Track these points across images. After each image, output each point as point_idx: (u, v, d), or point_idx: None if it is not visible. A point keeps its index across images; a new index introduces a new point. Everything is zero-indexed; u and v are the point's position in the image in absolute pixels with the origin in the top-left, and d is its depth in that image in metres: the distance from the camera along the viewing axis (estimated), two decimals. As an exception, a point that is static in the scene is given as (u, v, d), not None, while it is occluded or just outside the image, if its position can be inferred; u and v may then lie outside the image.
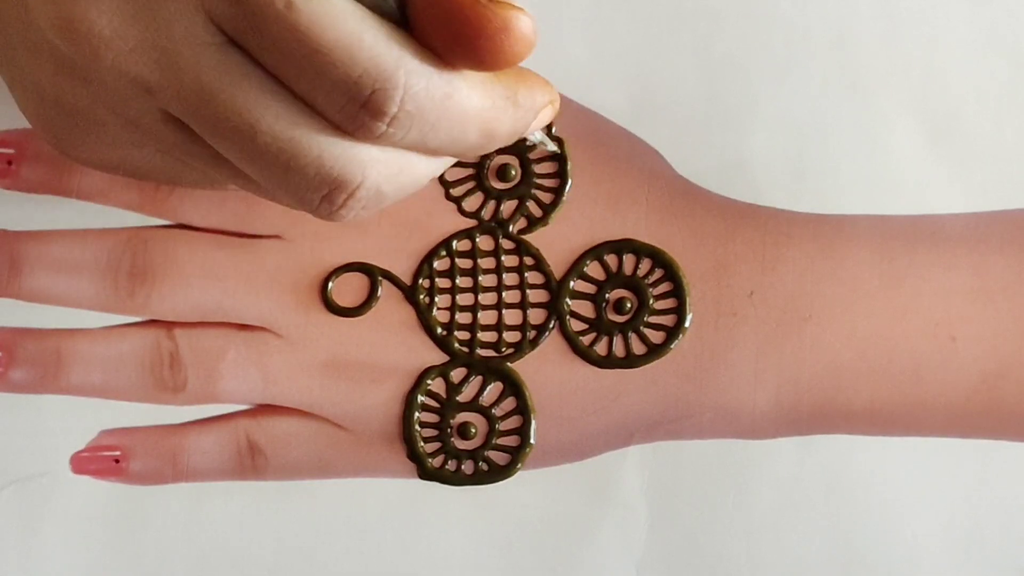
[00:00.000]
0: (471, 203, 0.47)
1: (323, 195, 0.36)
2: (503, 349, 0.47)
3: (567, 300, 0.47)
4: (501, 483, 0.47)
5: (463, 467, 0.47)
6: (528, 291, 0.47)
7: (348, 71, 0.34)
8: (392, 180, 0.37)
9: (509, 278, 0.47)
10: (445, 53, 0.35)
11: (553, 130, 0.47)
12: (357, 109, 0.35)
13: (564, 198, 0.47)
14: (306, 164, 0.36)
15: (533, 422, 0.47)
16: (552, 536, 0.47)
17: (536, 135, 0.44)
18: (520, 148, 0.48)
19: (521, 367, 0.47)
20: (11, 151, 0.48)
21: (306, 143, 0.36)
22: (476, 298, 0.47)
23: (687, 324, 0.46)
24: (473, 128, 0.37)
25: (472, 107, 0.37)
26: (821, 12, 0.48)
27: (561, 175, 0.47)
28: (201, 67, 0.35)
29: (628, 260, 0.47)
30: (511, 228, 0.47)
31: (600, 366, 0.46)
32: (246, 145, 0.36)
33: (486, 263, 0.47)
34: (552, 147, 0.46)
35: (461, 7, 0.35)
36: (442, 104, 0.36)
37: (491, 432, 0.47)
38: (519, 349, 0.47)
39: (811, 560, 0.47)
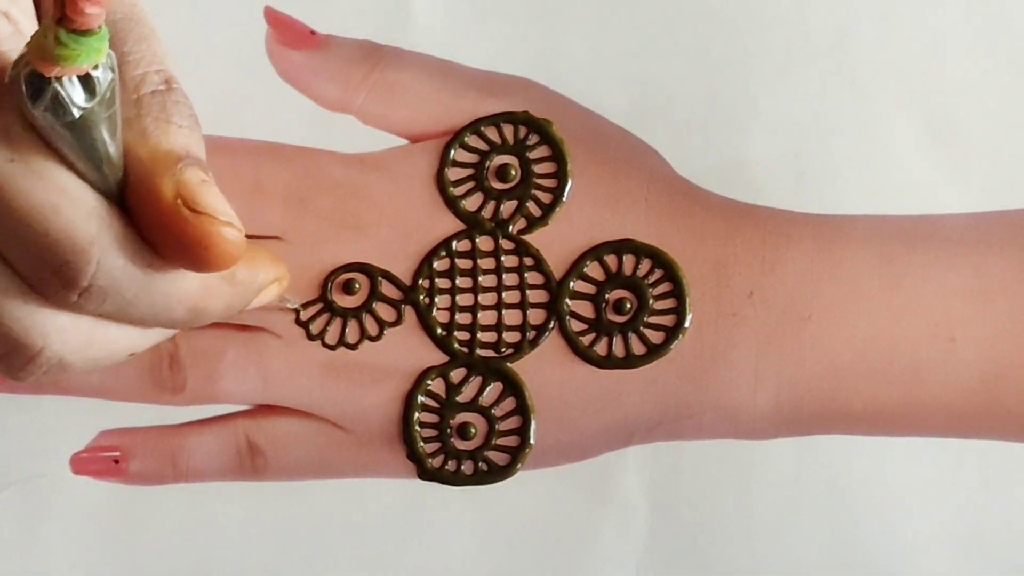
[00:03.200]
0: (471, 203, 0.47)
1: (1, 354, 0.36)
2: (503, 349, 0.47)
3: (567, 300, 0.47)
4: (501, 483, 0.47)
5: (463, 467, 0.47)
6: (528, 291, 0.47)
7: (40, 239, 0.34)
8: (77, 351, 0.36)
9: (509, 278, 0.47)
10: (155, 247, 0.35)
11: (290, 303, 0.47)
12: (49, 276, 0.34)
13: (564, 198, 0.47)
14: None
15: (533, 422, 0.47)
16: (552, 536, 0.47)
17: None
18: (519, 148, 0.48)
19: (521, 367, 0.47)
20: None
21: None
22: (476, 298, 0.47)
23: (687, 324, 0.46)
24: (179, 306, 0.37)
25: (178, 289, 0.36)
26: (820, 13, 0.48)
27: (561, 175, 0.47)
28: None
29: (628, 260, 0.47)
30: (511, 228, 0.47)
31: (600, 366, 0.46)
32: None
33: (486, 263, 0.47)
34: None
35: (164, 210, 0.34)
36: (141, 283, 0.35)
37: (491, 432, 0.47)
38: (519, 349, 0.47)
39: (811, 560, 0.47)
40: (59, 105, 0.32)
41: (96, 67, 0.32)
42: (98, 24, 0.30)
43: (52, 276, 0.34)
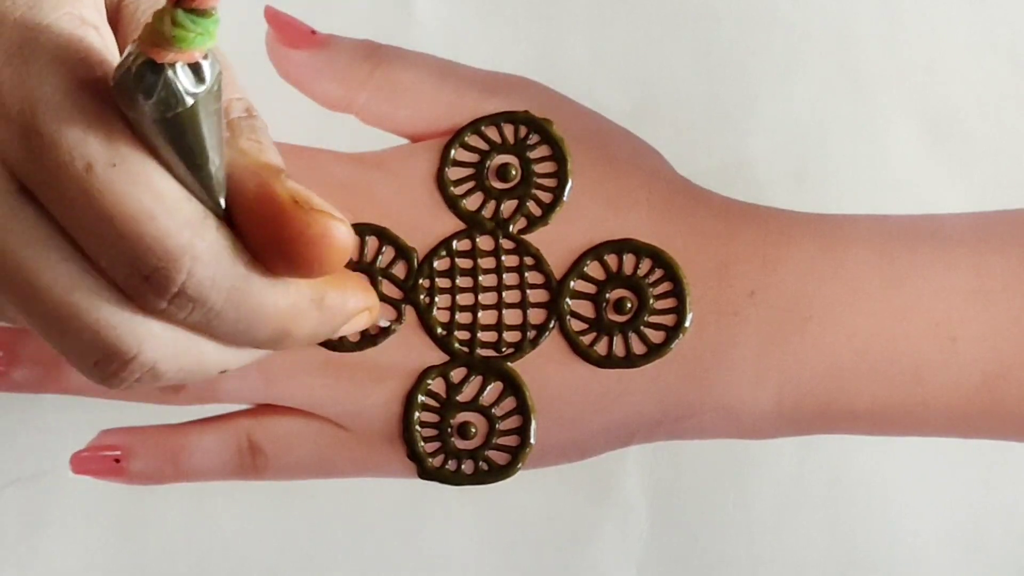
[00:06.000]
0: (471, 203, 0.47)
1: (95, 360, 0.36)
2: (503, 349, 0.47)
3: (567, 300, 0.47)
4: (501, 483, 0.47)
5: (463, 467, 0.47)
6: (528, 291, 0.47)
7: (134, 245, 0.34)
8: (170, 360, 0.36)
9: (509, 278, 0.47)
10: (260, 253, 0.36)
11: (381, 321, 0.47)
12: (139, 281, 0.35)
13: (564, 198, 0.47)
14: (81, 328, 0.35)
15: (533, 422, 0.47)
16: (553, 536, 0.47)
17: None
18: (520, 148, 0.48)
19: (521, 367, 0.47)
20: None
21: (84, 307, 0.35)
22: (476, 298, 0.47)
23: (688, 324, 0.46)
24: (266, 325, 0.37)
25: (267, 305, 0.36)
26: (821, 13, 0.48)
27: (561, 175, 0.47)
28: None
29: (628, 260, 0.47)
30: (511, 228, 0.47)
31: (600, 366, 0.46)
32: (23, 299, 0.35)
33: (486, 263, 0.47)
34: (383, 323, 0.46)
35: (281, 210, 0.35)
36: (230, 296, 0.35)
37: (491, 432, 0.47)
38: (519, 349, 0.47)
39: (812, 560, 0.47)
40: (171, 94, 0.32)
41: (205, 56, 0.32)
42: (215, 4, 0.31)
43: (143, 282, 0.34)
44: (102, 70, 0.34)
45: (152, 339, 0.36)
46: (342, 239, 0.35)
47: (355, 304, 0.40)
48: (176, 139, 0.33)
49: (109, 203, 0.34)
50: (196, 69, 0.32)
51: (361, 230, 0.47)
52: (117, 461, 0.48)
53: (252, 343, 0.38)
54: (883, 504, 0.46)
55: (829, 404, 0.46)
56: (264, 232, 0.35)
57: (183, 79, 0.32)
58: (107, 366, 0.36)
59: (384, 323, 0.46)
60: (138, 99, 0.32)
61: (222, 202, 0.36)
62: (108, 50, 0.35)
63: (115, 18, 0.38)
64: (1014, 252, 0.46)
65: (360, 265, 0.47)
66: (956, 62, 0.48)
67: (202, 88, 0.33)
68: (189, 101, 0.32)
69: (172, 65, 0.32)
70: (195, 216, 0.35)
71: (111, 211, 0.34)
